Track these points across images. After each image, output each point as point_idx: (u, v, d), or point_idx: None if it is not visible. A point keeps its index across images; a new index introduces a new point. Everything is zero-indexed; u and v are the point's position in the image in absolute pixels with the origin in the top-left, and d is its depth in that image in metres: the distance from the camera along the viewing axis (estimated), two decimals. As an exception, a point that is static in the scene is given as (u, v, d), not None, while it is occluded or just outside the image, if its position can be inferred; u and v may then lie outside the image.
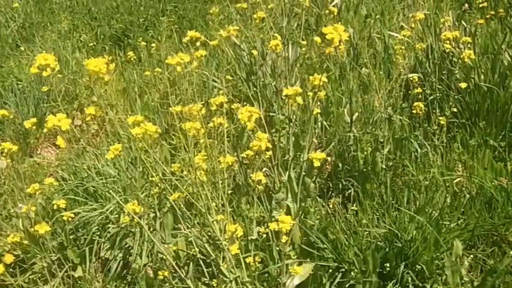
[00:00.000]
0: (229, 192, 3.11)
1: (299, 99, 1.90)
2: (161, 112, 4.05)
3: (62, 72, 5.02)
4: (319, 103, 3.41)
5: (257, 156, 1.71)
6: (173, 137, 3.38)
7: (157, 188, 2.41)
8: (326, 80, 2.06)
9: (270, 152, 1.63)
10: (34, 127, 2.16)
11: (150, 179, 2.52)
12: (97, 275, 2.95)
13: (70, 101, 4.88)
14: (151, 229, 2.42)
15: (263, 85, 3.58)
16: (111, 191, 1.96)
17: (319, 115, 3.49)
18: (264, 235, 2.37)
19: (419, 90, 3.26)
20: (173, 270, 2.67)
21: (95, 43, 6.12)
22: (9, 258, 2.58)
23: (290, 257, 1.77)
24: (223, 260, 1.64)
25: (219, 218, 1.54)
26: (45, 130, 1.72)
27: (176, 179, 1.71)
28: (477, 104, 3.48)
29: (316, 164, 1.69)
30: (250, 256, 1.93)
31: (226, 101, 1.58)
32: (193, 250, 2.17)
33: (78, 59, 5.47)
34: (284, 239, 1.47)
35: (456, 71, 3.51)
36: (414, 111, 3.19)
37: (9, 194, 3.65)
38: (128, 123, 1.53)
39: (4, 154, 2.20)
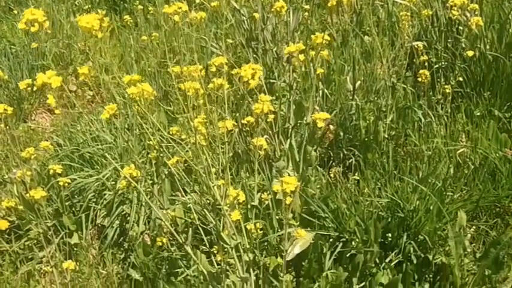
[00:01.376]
0: (229, 159, 3.05)
1: (302, 57, 1.83)
2: (158, 78, 3.96)
3: (56, 36, 4.91)
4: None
5: (259, 121, 1.65)
6: (171, 103, 3.30)
7: (155, 151, 2.34)
8: (328, 39, 1.99)
9: (273, 116, 1.56)
10: (28, 89, 2.08)
11: (148, 142, 2.46)
12: (93, 242, 2.91)
13: (65, 66, 4.78)
14: (148, 195, 2.36)
15: (263, 51, 3.48)
16: (107, 155, 1.89)
17: (320, 83, 3.41)
18: (265, 203, 2.32)
19: (425, 57, 3.18)
20: (171, 238, 2.63)
21: (89, 6, 5.97)
22: (3, 224, 2.53)
23: (292, 222, 1.72)
24: (223, 226, 1.58)
25: (220, 183, 1.48)
26: (35, 88, 1.65)
27: (175, 144, 1.64)
28: (482, 74, 3.41)
29: (320, 124, 1.63)
30: (250, 223, 1.88)
31: (227, 63, 1.50)
32: (192, 217, 2.12)
33: (72, 23, 5.35)
34: (288, 200, 1.40)
35: (462, 40, 3.43)
36: (419, 79, 3.11)
37: (4, 160, 3.59)
38: (123, 83, 1.45)
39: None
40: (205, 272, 1.67)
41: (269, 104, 1.52)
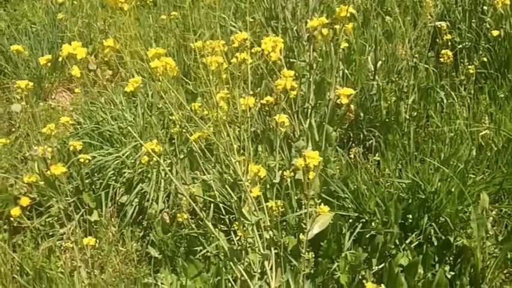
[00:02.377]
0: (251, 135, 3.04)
1: (325, 31, 1.79)
2: (178, 57, 3.94)
3: (76, 15, 4.91)
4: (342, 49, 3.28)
5: (280, 98, 1.62)
6: (189, 82, 3.28)
7: (177, 127, 2.33)
8: (353, 11, 1.95)
9: (294, 92, 1.53)
10: (48, 65, 2.07)
11: (169, 118, 2.44)
12: (113, 220, 2.93)
13: (84, 45, 4.77)
14: (168, 173, 2.36)
15: (283, 30, 3.44)
16: (130, 129, 1.88)
17: (340, 63, 3.37)
18: (285, 182, 2.31)
19: (449, 36, 3.11)
20: (191, 216, 2.63)
21: (109, -14, 5.94)
22: (25, 201, 2.55)
23: (313, 200, 1.70)
24: (244, 203, 1.58)
25: (241, 159, 1.47)
26: (60, 59, 1.64)
27: (197, 119, 1.63)
28: (507, 55, 3.34)
29: (344, 100, 1.59)
30: (272, 201, 1.87)
31: (249, 38, 1.48)
32: (212, 194, 2.11)
33: (92, 2, 5.33)
34: (311, 175, 1.39)
35: (487, 19, 3.35)
36: (442, 59, 3.05)
37: (25, 138, 3.61)
38: (147, 57, 1.44)
39: (20, 91, 2.12)
40: (226, 248, 1.66)
41: (291, 79, 1.50)
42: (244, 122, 1.45)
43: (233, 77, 1.52)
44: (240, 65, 1.41)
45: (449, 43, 3.20)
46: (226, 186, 1.57)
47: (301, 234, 2.29)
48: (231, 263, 1.73)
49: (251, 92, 1.44)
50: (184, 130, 1.75)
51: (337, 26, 1.91)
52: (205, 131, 1.56)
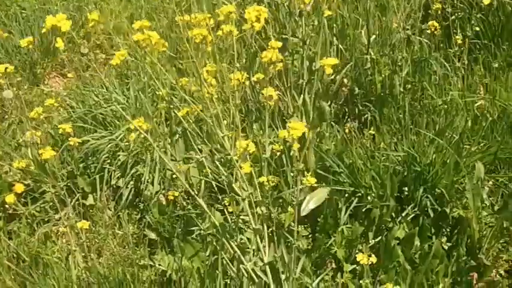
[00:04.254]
0: (241, 116, 3.02)
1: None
2: (170, 37, 3.90)
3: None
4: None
5: (268, 73, 1.59)
6: (181, 62, 3.26)
7: (164, 103, 2.31)
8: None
9: (281, 64, 1.50)
10: (35, 48, 2.04)
11: (158, 93, 2.41)
12: (109, 203, 2.91)
13: (76, 29, 4.73)
14: (156, 148, 2.34)
15: (276, 6, 3.40)
16: (122, 111, 1.86)
17: (334, 38, 3.33)
18: (278, 157, 2.29)
19: (439, 6, 3.07)
20: (186, 196, 2.62)
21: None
22: (19, 188, 2.53)
23: (303, 173, 1.69)
24: (235, 179, 1.56)
25: (229, 133, 1.45)
26: (43, 30, 1.60)
27: (185, 95, 1.61)
28: (501, 24, 3.30)
29: (328, 71, 1.57)
30: (263, 177, 1.86)
31: (235, 11, 1.44)
32: (204, 172, 2.10)
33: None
34: (295, 146, 1.36)
35: (479, -13, 3.31)
36: (429, 31, 3.01)
37: (18, 124, 3.59)
38: (133, 30, 1.41)
39: (0, 75, 2.09)
40: (218, 225, 1.65)
41: (277, 51, 1.47)
42: (232, 97, 1.43)
43: (220, 51, 1.49)
44: (226, 38, 1.38)
45: (442, 13, 3.16)
46: (216, 162, 1.56)
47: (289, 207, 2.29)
48: (224, 240, 1.72)
49: (238, 65, 1.42)
50: (171, 106, 1.73)
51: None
52: (193, 107, 1.54)
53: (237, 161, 1.48)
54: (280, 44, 1.49)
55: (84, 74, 3.83)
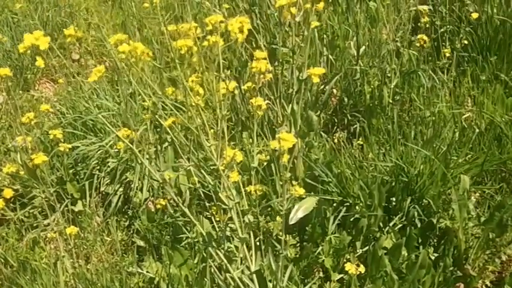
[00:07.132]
0: (231, 125, 3.03)
1: (293, 10, 1.79)
2: (162, 46, 3.91)
3: (58, 5, 4.86)
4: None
5: (258, 82, 1.61)
6: (173, 69, 3.27)
7: (149, 112, 2.31)
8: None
9: (270, 75, 1.52)
10: (28, 53, 2.04)
11: (143, 104, 2.42)
12: (97, 210, 2.91)
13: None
14: (150, 161, 2.35)
15: (266, 17, 3.43)
16: (106, 121, 1.86)
17: (324, 48, 3.36)
18: (267, 166, 2.31)
19: (427, 19, 3.11)
20: (175, 204, 2.63)
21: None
22: (8, 193, 2.52)
23: (291, 183, 1.70)
24: (222, 188, 1.57)
25: (215, 142, 1.46)
26: (21, 50, 1.60)
27: (171, 106, 1.62)
28: (489, 38, 3.35)
29: (315, 80, 1.58)
30: (251, 186, 1.87)
31: (222, 21, 1.45)
32: (192, 180, 2.11)
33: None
34: (285, 157, 1.37)
35: (468, 2, 3.36)
36: (418, 44, 3.05)
37: (7, 129, 3.58)
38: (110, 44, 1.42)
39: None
40: (204, 234, 1.66)
41: (266, 62, 1.49)
42: (218, 106, 1.44)
43: (207, 61, 1.50)
44: (211, 49, 1.39)
45: (432, 27, 3.20)
46: (203, 172, 1.57)
47: (277, 216, 2.30)
48: (210, 248, 1.72)
49: (223, 75, 1.43)
50: (158, 116, 1.74)
51: (307, 5, 1.90)
52: (179, 116, 1.55)
53: (223, 171, 1.49)
54: (265, 54, 1.50)
55: (75, 79, 3.84)
